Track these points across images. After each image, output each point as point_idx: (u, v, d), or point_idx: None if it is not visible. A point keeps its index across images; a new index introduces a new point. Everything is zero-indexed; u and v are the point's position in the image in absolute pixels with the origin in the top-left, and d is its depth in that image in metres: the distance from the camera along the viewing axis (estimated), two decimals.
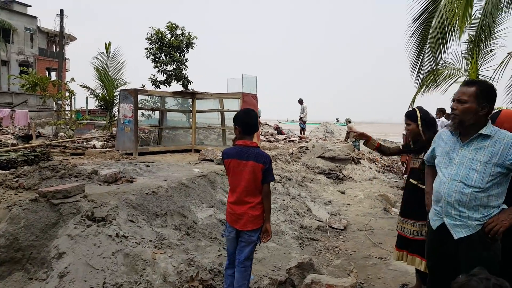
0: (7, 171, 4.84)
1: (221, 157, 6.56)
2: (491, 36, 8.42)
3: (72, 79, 13.40)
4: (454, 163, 2.48)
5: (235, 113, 3.20)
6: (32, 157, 5.66)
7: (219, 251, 4.07)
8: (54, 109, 15.78)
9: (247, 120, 3.07)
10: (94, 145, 7.94)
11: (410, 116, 3.59)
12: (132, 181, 4.78)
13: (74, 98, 21.85)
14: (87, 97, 16.15)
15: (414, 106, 6.55)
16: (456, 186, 2.43)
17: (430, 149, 2.84)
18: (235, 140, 3.23)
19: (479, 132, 2.38)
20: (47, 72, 35.45)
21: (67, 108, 15.22)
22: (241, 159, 2.99)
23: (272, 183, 6.49)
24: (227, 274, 3.24)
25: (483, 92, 2.37)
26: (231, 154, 3.06)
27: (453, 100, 2.49)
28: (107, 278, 3.16)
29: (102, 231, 3.58)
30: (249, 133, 3.09)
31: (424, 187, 3.38)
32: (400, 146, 4.14)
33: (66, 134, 10.76)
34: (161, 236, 3.95)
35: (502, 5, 7.33)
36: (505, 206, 2.36)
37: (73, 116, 13.77)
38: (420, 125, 3.51)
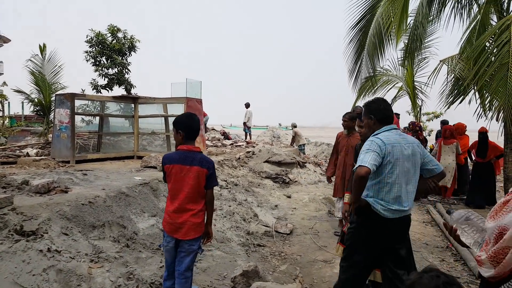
0: None
1: None
2: (422, 46, 8.94)
3: (4, 83, 12.52)
4: None
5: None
6: None
7: (161, 262, 3.93)
8: None
9: (192, 124, 3.01)
10: (27, 153, 7.43)
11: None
12: (67, 191, 4.51)
13: (8, 103, 20.41)
14: (22, 102, 15.18)
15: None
16: None
17: None
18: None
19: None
20: None
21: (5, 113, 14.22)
22: (184, 164, 2.91)
23: (218, 189, 6.48)
24: (165, 287, 3.13)
25: (364, 111, 3.07)
26: (174, 159, 2.97)
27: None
28: None
29: (32, 246, 3.34)
30: (192, 137, 3.02)
31: None
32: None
33: None
34: (98, 249, 3.75)
35: (431, 17, 7.79)
36: (369, 200, 2.78)
37: (5, 122, 12.85)
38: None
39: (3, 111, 13.42)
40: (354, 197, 2.71)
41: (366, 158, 2.63)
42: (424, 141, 10.43)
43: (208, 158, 3.06)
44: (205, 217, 3.07)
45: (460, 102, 8.67)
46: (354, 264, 2.91)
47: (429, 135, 14.13)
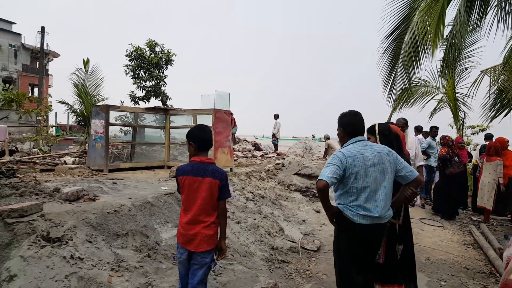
0: None
1: None
2: (462, 56, 8.56)
3: (49, 95, 13.25)
4: None
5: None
6: None
7: None
8: (34, 124, 15.56)
9: (203, 136, 3.03)
10: (65, 161, 7.76)
11: (370, 130, 3.71)
12: (94, 200, 4.65)
13: (56, 113, 21.56)
14: (68, 113, 15.99)
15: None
16: None
17: None
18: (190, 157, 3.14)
19: None
20: (30, 88, 35.30)
21: (49, 123, 15.04)
22: (197, 176, 2.91)
23: (244, 201, 6.46)
24: None
25: (338, 122, 3.25)
26: (187, 171, 2.96)
27: None
28: None
29: (56, 252, 3.45)
30: (204, 149, 3.03)
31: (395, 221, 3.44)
32: None
33: (41, 149, 10.54)
34: (119, 257, 3.82)
35: (471, 26, 7.45)
36: (339, 206, 3.05)
37: (49, 131, 13.56)
38: (378, 139, 3.57)
39: (47, 121, 14.18)
40: (324, 207, 3.04)
41: (325, 172, 2.90)
42: (468, 156, 9.93)
43: (220, 169, 3.03)
44: (218, 230, 3.04)
45: (505, 115, 8.23)
46: (343, 265, 3.09)
47: (475, 149, 13.41)
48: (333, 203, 3.12)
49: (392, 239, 3.36)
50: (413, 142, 6.32)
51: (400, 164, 3.02)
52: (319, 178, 2.88)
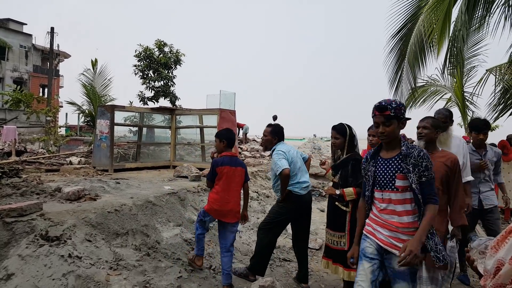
0: None
1: (196, 174, 6.46)
2: (465, 55, 8.40)
3: (57, 96, 13.37)
4: None
5: (215, 129, 3.71)
6: (0, 174, 5.51)
7: (179, 272, 3.90)
8: (43, 125, 15.70)
9: (231, 136, 4.02)
10: (70, 161, 7.81)
11: (340, 130, 3.79)
12: (95, 199, 4.64)
13: (66, 114, 21.81)
14: (78, 114, 16.14)
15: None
16: None
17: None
18: (214, 152, 4.24)
19: None
20: (40, 89, 35.63)
21: (57, 123, 15.15)
22: (232, 166, 3.87)
23: (248, 200, 6.43)
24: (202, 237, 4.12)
25: (270, 131, 4.41)
26: (226, 162, 3.86)
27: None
28: None
29: (54, 251, 3.43)
30: (231, 146, 3.99)
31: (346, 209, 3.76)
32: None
33: (49, 150, 10.63)
34: (118, 256, 3.79)
35: (474, 25, 7.32)
36: (289, 188, 4.17)
37: (57, 131, 13.67)
38: (347, 141, 3.76)
39: (54, 121, 14.30)
40: (284, 188, 4.08)
41: (283, 163, 4.01)
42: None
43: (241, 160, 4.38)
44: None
45: (510, 115, 8.12)
46: (278, 228, 4.29)
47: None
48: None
49: (354, 228, 3.41)
50: (459, 147, 4.15)
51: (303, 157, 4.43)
52: (283, 168, 3.95)
